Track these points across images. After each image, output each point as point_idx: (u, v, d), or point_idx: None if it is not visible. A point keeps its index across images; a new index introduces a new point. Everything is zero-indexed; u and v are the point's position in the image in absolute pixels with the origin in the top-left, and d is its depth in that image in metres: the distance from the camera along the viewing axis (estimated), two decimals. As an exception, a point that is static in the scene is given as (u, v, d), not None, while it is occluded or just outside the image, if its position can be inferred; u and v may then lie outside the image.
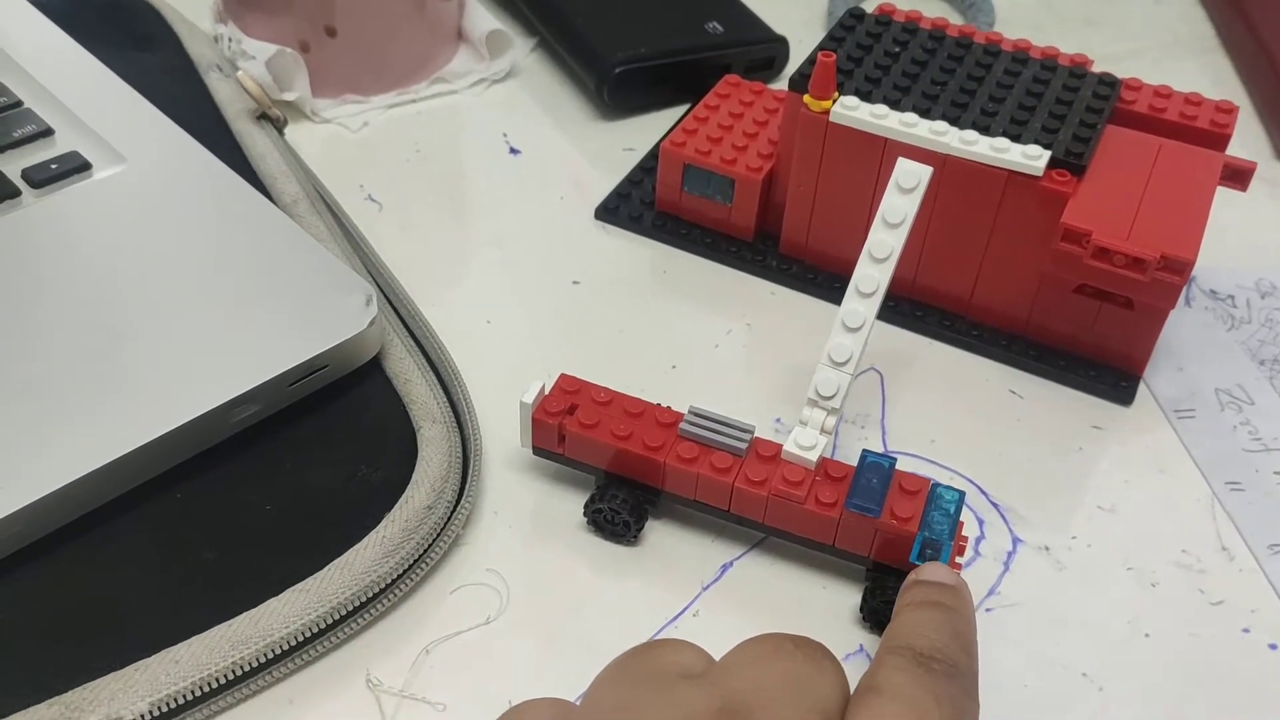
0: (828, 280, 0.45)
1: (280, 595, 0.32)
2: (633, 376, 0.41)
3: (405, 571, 0.34)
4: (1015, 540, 0.38)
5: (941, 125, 0.40)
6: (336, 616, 0.32)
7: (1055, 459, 0.40)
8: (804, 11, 0.61)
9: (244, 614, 0.32)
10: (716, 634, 0.30)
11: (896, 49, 0.44)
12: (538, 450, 0.37)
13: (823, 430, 0.36)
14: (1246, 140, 0.55)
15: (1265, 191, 0.52)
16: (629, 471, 0.36)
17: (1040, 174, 0.39)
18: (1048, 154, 0.40)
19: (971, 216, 0.41)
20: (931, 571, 0.31)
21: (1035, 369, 0.43)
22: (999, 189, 0.40)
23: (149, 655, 0.31)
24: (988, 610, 0.36)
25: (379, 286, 0.42)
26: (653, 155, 0.51)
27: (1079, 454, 0.40)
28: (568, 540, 0.37)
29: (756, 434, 0.36)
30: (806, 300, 0.46)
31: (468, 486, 0.36)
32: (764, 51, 0.56)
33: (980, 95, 0.42)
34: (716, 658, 0.27)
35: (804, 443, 0.35)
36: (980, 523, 0.38)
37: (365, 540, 0.34)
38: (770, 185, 0.46)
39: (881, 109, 0.41)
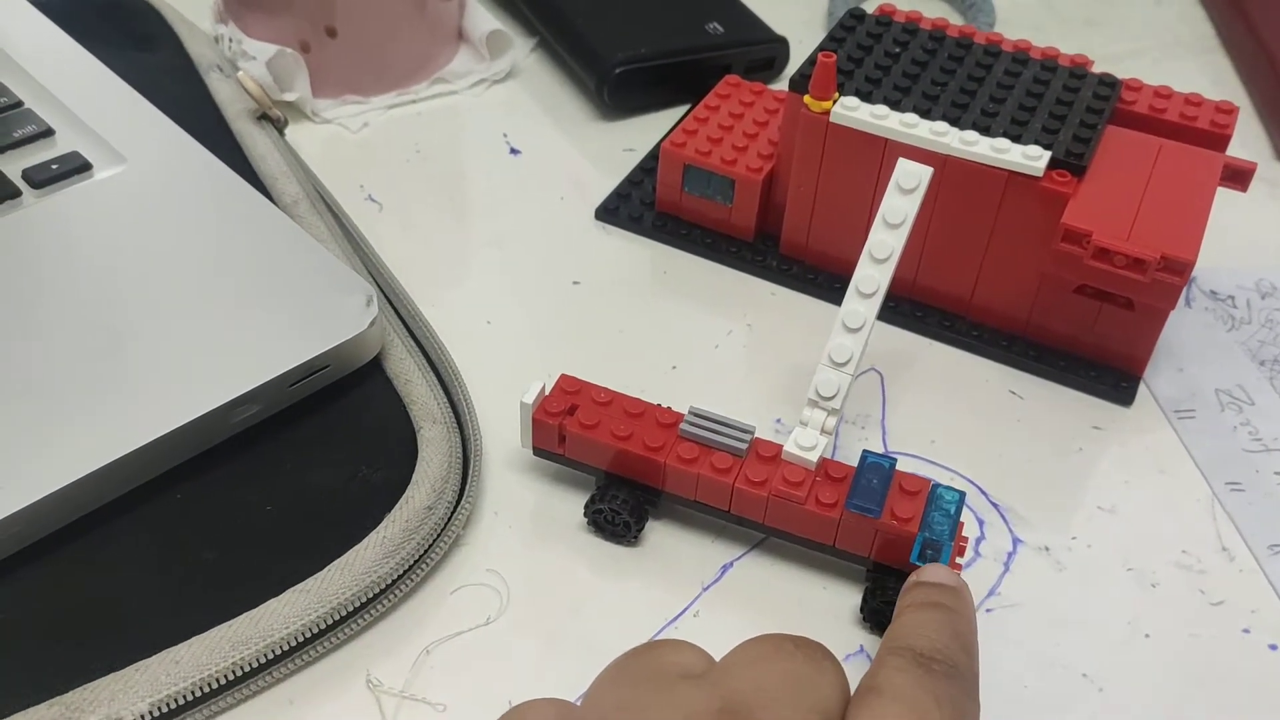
0: (828, 281, 0.45)
1: (280, 596, 0.32)
2: (633, 377, 0.41)
3: (405, 572, 0.34)
4: (1015, 541, 0.38)
5: (942, 126, 0.40)
6: (337, 617, 0.32)
7: (1055, 459, 0.40)
8: (804, 12, 0.61)
9: (244, 614, 0.32)
10: (717, 634, 0.30)
11: (897, 49, 0.44)
12: (538, 451, 0.37)
13: (823, 431, 0.36)
14: (1246, 140, 0.55)
15: (1265, 192, 0.52)
16: (629, 472, 0.36)
17: (1040, 174, 0.39)
18: (1048, 154, 0.40)
19: (972, 217, 0.41)
20: (932, 573, 0.31)
21: (1035, 369, 0.43)
22: (999, 189, 0.40)
23: (149, 656, 0.31)
24: (988, 611, 0.36)
25: (379, 287, 0.42)
26: (653, 155, 0.51)
27: (1079, 454, 0.40)
28: (568, 541, 0.37)
29: (757, 434, 0.36)
30: (807, 301, 0.46)
31: (468, 487, 0.36)
32: (764, 52, 0.56)
33: (981, 96, 0.42)
34: (717, 658, 0.27)
35: (804, 443, 0.35)
36: (980, 523, 0.38)
37: (365, 541, 0.34)
38: (770, 186, 0.46)
39: (882, 109, 0.41)
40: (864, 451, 0.35)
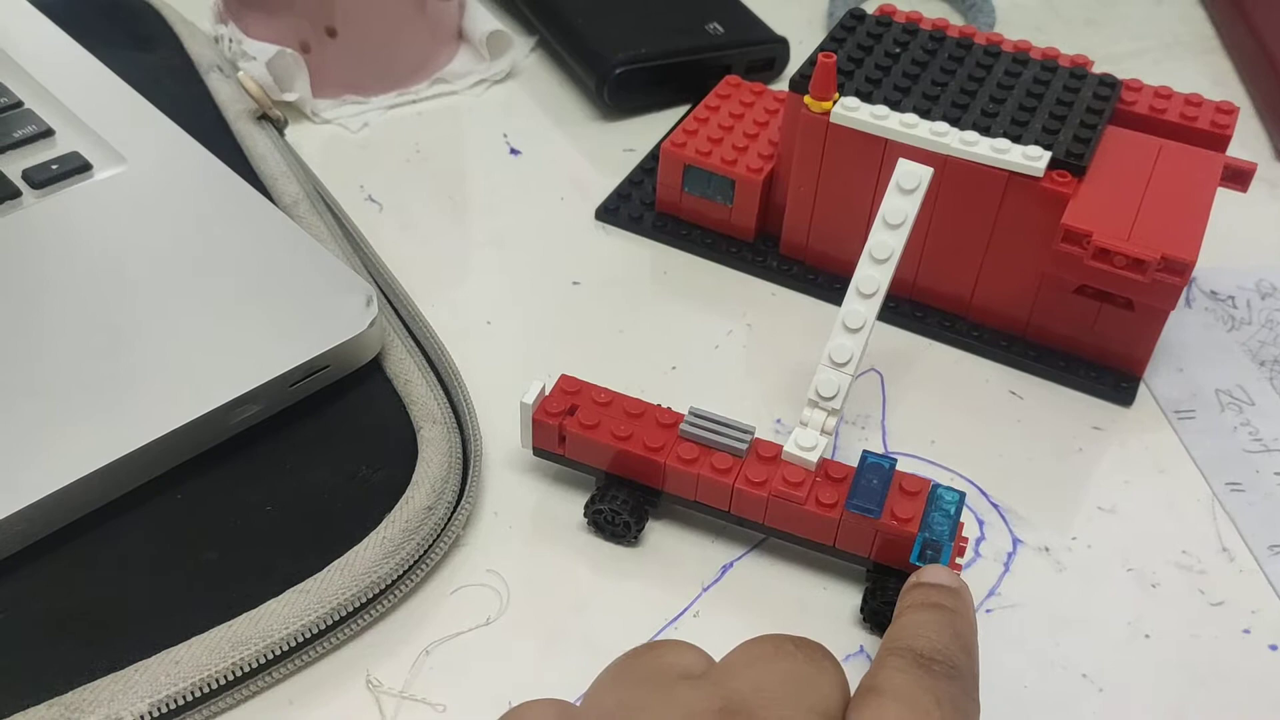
0: (828, 281, 0.45)
1: (280, 596, 0.32)
2: (633, 377, 0.41)
3: (405, 572, 0.34)
4: (1015, 541, 0.38)
5: (942, 126, 0.40)
6: (337, 617, 0.32)
7: (1055, 460, 0.40)
8: (804, 12, 0.61)
9: (244, 615, 0.32)
10: (717, 635, 0.30)
11: (897, 50, 0.44)
12: (538, 451, 0.37)
13: (823, 431, 0.36)
14: (1246, 141, 0.55)
15: (1265, 192, 0.52)
16: (629, 472, 0.36)
17: (1041, 175, 0.39)
18: (1048, 155, 0.40)
19: (972, 217, 0.41)
20: (932, 574, 0.31)
21: (1035, 370, 0.43)
22: (999, 190, 0.40)
23: (149, 656, 0.31)
24: (988, 611, 0.36)
25: (379, 287, 0.42)
26: (653, 156, 0.51)
27: (1079, 455, 0.40)
28: (568, 541, 0.37)
29: (757, 435, 0.36)
30: (807, 301, 0.46)
31: (468, 487, 0.36)
32: (764, 52, 0.56)
33: (981, 96, 0.42)
34: (717, 658, 0.27)
35: (804, 443, 0.35)
36: (980, 523, 0.38)
37: (365, 541, 0.34)
38: (770, 186, 0.46)
39: (882, 110, 0.41)
40: (864, 452, 0.35)
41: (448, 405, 0.38)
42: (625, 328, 0.44)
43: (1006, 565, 0.37)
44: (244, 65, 0.51)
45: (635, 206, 0.48)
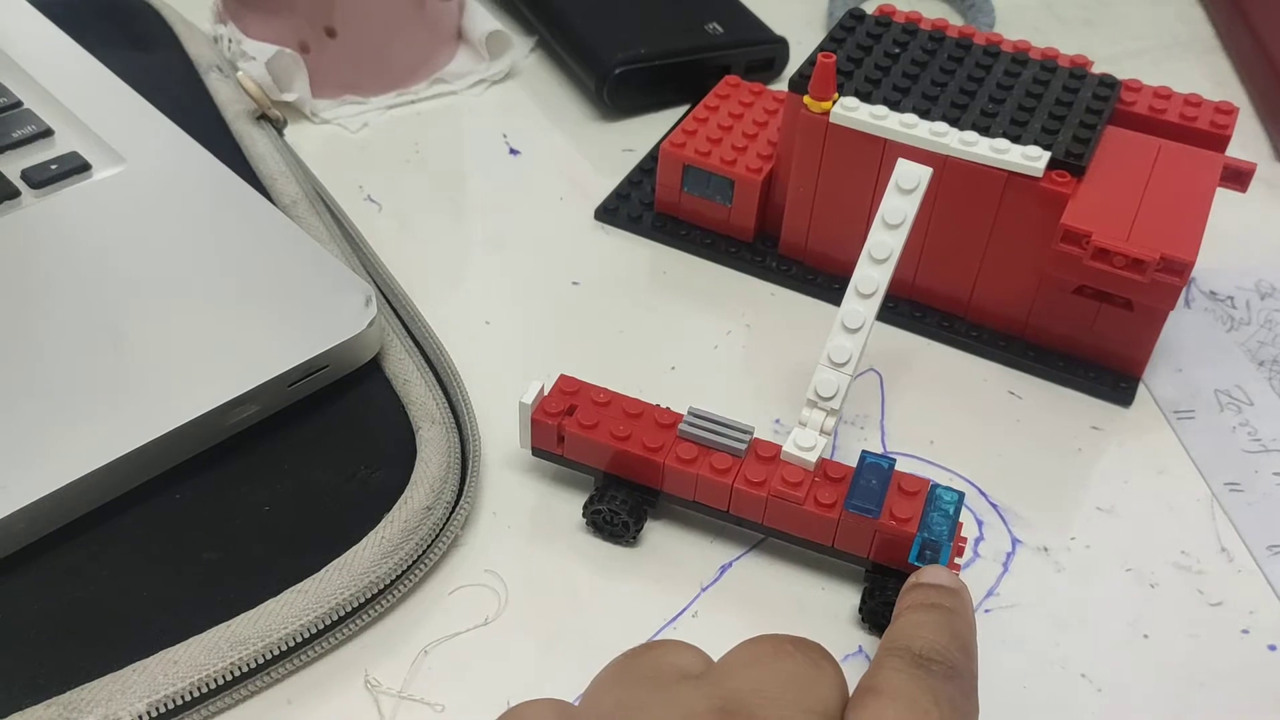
0: (827, 281, 0.45)
1: (279, 596, 0.32)
2: (632, 377, 0.41)
3: (404, 572, 0.34)
4: (1014, 541, 0.38)
5: (941, 126, 0.40)
6: (335, 617, 0.32)
7: (1054, 460, 0.40)
8: (804, 12, 0.61)
9: (242, 614, 0.32)
10: (715, 635, 0.30)
11: (896, 50, 0.44)
12: (537, 451, 0.37)
13: (822, 431, 0.36)
14: (1246, 141, 0.55)
15: (1265, 192, 0.52)
16: (628, 472, 0.36)
17: (1040, 175, 0.39)
18: (1047, 155, 0.40)
19: (971, 217, 0.41)
20: (932, 574, 0.31)
21: (1034, 370, 0.43)
22: (999, 190, 0.40)
23: (147, 656, 0.31)
24: (987, 611, 0.36)
25: (378, 287, 0.42)
26: (652, 156, 0.51)
27: (1078, 455, 0.40)
28: (567, 541, 0.37)
29: (756, 435, 0.36)
30: (806, 301, 0.46)
31: (466, 487, 0.36)
32: (764, 52, 0.56)
33: (980, 96, 0.42)
34: (715, 658, 0.27)
35: (803, 443, 0.35)
36: (979, 524, 0.38)
37: (364, 541, 0.34)
38: (770, 186, 0.46)
39: (881, 110, 0.41)
40: (863, 452, 0.35)
41: (446, 405, 0.38)
42: (624, 328, 0.44)
43: (1005, 565, 0.37)
44: (243, 65, 0.51)
45: (634, 206, 0.48)
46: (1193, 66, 0.60)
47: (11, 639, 0.31)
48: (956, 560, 0.33)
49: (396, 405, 0.38)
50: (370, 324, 0.38)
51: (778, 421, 0.41)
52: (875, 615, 0.34)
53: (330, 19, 0.51)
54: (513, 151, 0.52)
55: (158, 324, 0.37)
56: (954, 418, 0.41)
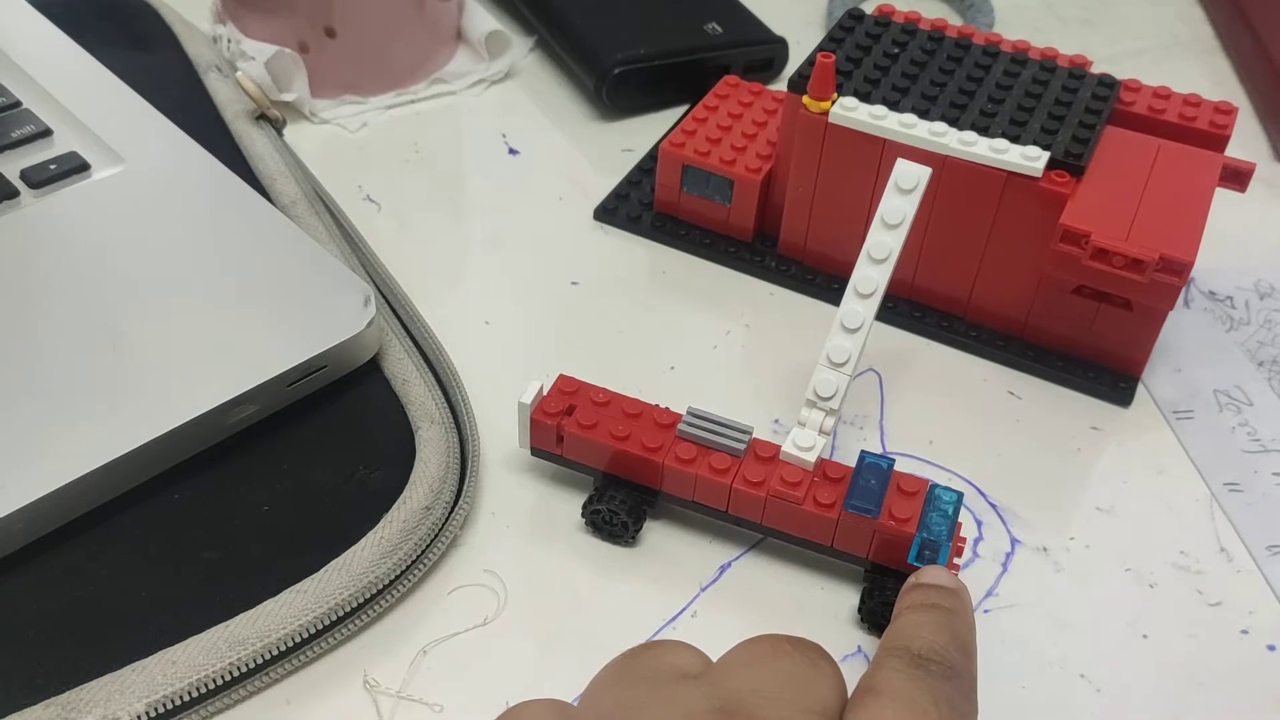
0: (826, 281, 0.45)
1: (278, 596, 0.32)
2: (631, 377, 0.41)
3: (403, 572, 0.34)
4: (1013, 541, 0.38)
5: (940, 126, 0.40)
6: (334, 617, 0.32)
7: (1054, 460, 0.40)
8: (803, 12, 0.61)
9: (241, 615, 0.32)
10: (715, 635, 0.30)
11: (895, 50, 0.44)
12: (536, 451, 0.37)
13: (821, 431, 0.36)
14: (1245, 141, 0.55)
15: (1264, 192, 0.52)
16: (627, 472, 0.36)
17: (1039, 175, 0.39)
18: (1047, 155, 0.40)
19: (970, 217, 0.41)
20: (931, 574, 0.31)
21: (1033, 370, 0.43)
22: (998, 190, 0.40)
23: (146, 656, 0.31)
24: (986, 611, 0.36)
25: (377, 287, 0.42)
26: (652, 156, 0.51)
27: (1077, 455, 0.40)
28: (566, 541, 0.37)
29: (755, 435, 0.36)
30: (805, 301, 0.46)
31: (465, 487, 0.36)
32: (763, 52, 0.56)
33: (979, 96, 0.42)
34: (714, 658, 0.27)
35: (802, 443, 0.35)
36: (978, 524, 0.38)
37: (363, 541, 0.34)
38: (769, 186, 0.46)
39: (880, 110, 0.41)
40: (862, 452, 0.35)
41: (445, 405, 0.38)
42: (623, 328, 0.44)
43: (1005, 565, 0.37)
44: (242, 65, 0.51)
45: (634, 206, 0.48)
46: (1192, 66, 0.60)
47: (10, 639, 0.31)
48: (956, 560, 0.33)
49: (395, 405, 0.38)
50: (369, 324, 0.38)
51: (777, 421, 0.41)
52: (874, 615, 0.34)
53: (329, 19, 0.51)
54: (512, 151, 0.52)
55: (157, 324, 0.37)
56: (953, 418, 0.41)
